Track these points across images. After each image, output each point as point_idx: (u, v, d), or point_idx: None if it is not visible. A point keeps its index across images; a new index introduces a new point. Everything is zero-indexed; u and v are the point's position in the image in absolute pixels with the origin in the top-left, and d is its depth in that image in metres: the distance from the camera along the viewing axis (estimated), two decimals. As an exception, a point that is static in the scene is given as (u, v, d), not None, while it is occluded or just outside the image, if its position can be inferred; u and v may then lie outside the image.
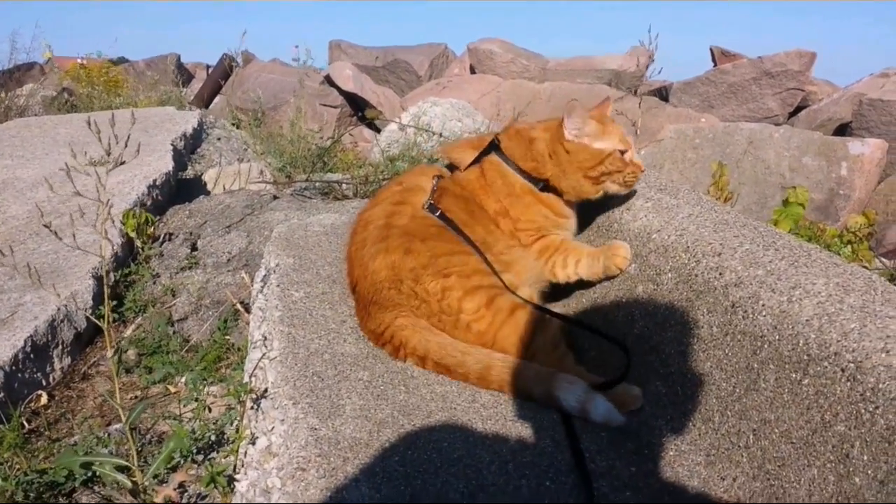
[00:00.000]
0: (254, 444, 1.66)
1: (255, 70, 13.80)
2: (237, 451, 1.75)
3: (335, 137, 5.51)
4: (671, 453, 1.58)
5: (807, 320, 1.38)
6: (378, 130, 10.55)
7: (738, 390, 1.50)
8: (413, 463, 1.45)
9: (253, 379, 1.94)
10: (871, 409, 1.20)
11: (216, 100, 12.43)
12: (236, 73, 12.34)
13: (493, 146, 2.13)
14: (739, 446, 1.46)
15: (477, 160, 2.14)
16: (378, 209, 2.08)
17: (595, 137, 2.01)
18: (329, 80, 12.39)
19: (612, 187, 2.03)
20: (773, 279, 1.53)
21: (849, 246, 4.81)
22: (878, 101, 9.53)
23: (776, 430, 1.38)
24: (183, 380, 2.74)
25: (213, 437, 2.15)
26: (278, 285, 2.19)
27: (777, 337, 1.42)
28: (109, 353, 1.87)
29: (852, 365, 1.25)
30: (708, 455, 1.52)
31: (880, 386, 1.19)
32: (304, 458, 1.44)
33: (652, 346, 1.81)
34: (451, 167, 2.27)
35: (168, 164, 4.40)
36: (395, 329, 1.84)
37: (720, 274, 1.64)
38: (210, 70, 13.71)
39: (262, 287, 2.30)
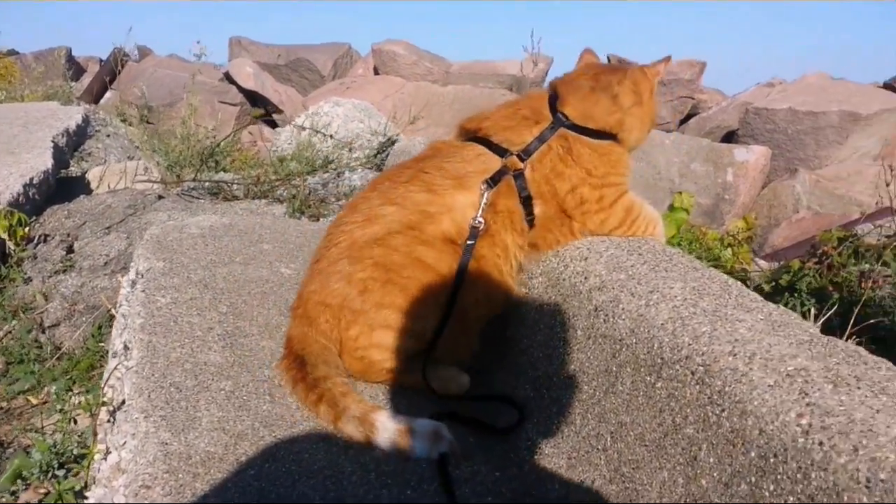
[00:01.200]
0: (107, 459, 1.58)
1: (151, 65, 13.31)
2: (88, 466, 1.65)
3: (226, 136, 5.34)
4: (536, 457, 1.59)
5: (662, 324, 1.40)
6: (277, 128, 10.37)
7: (597, 393, 1.52)
8: (270, 476, 1.39)
9: (110, 390, 1.85)
10: (717, 412, 1.22)
11: (108, 95, 11.92)
12: (128, 67, 11.86)
13: (555, 110, 1.85)
14: (598, 449, 1.47)
15: (542, 139, 1.81)
16: (384, 218, 1.75)
17: None
18: (229, 78, 12.08)
19: None
20: (634, 283, 1.55)
21: (729, 248, 5.02)
22: (763, 110, 10.01)
23: (632, 433, 1.40)
24: (52, 389, 2.59)
25: (75, 451, 2.03)
26: (143, 290, 2.08)
27: (634, 340, 1.44)
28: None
29: (701, 368, 1.27)
30: (569, 458, 1.53)
31: (726, 389, 1.21)
32: (151, 475, 1.36)
33: (522, 350, 1.81)
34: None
35: (47, 162, 4.16)
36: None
37: (585, 278, 1.66)
38: (102, 64, 13.14)
39: (131, 291, 2.19)
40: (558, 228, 1.83)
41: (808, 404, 1.10)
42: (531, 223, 1.81)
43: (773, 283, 4.17)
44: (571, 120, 1.82)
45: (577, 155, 1.80)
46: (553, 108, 1.85)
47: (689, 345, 1.32)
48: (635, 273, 1.59)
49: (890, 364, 1.25)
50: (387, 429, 1.51)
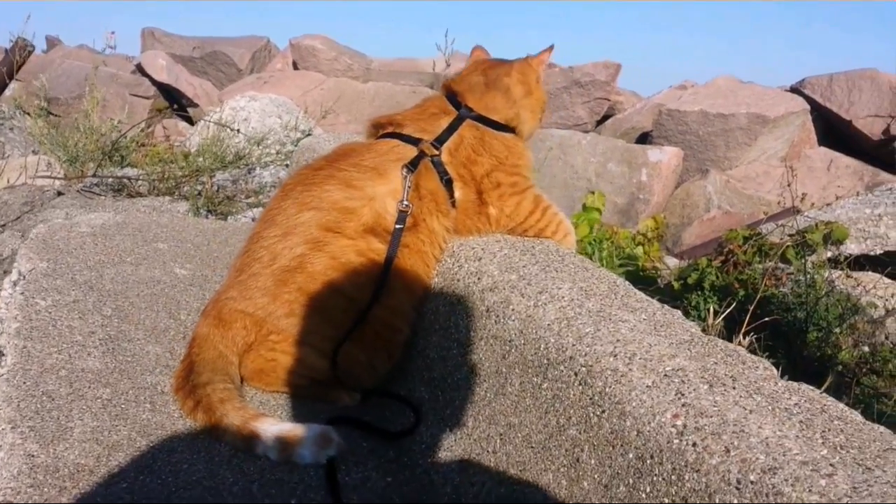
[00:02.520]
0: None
1: (59, 56, 12.79)
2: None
3: (129, 128, 5.14)
4: (429, 460, 1.56)
5: (548, 325, 1.39)
6: (193, 123, 10.08)
7: (488, 395, 1.50)
8: (143, 489, 1.32)
9: (-17, 398, 1.73)
10: (598, 413, 1.21)
11: (13, 86, 11.38)
12: (34, 58, 11.34)
13: (458, 106, 1.90)
14: (488, 451, 1.45)
15: (452, 128, 1.84)
16: (301, 229, 1.69)
17: None
18: (141, 70, 11.70)
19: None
20: (524, 284, 1.54)
21: (640, 247, 5.12)
22: (675, 112, 10.26)
23: (519, 435, 1.39)
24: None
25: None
26: (22, 293, 1.97)
27: (523, 341, 1.43)
28: None
29: (584, 369, 1.27)
30: (462, 461, 1.51)
31: (607, 390, 1.21)
32: (14, 490, 1.27)
33: (418, 351, 1.79)
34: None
35: (-64, 156, 3.93)
36: None
37: (478, 279, 1.64)
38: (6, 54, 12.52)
39: (11, 294, 2.07)
40: (476, 215, 1.83)
41: (683, 405, 1.11)
42: (453, 205, 1.82)
43: (683, 281, 4.27)
44: (477, 112, 1.87)
45: (489, 145, 1.85)
46: (455, 104, 1.89)
47: (573, 345, 1.31)
48: (526, 273, 1.58)
49: (767, 364, 1.27)
50: (269, 436, 1.46)
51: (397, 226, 1.67)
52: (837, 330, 3.52)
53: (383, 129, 1.89)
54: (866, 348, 3.60)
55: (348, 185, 1.71)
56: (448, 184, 1.78)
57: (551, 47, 2.05)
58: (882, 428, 1.08)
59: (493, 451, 1.44)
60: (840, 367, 3.34)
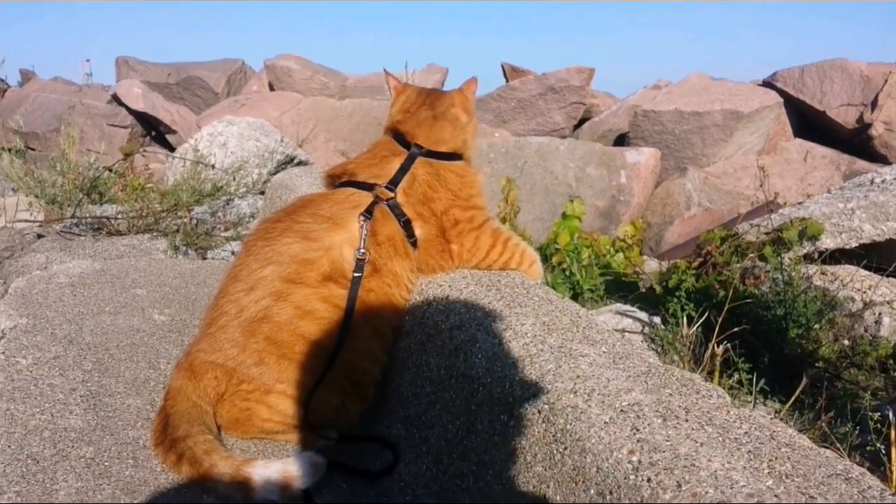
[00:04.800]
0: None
1: (35, 90, 12.79)
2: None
3: (108, 167, 5.16)
4: (407, 499, 1.60)
5: (513, 362, 1.44)
6: (173, 150, 10.08)
7: (460, 432, 1.54)
8: (127, 547, 1.36)
9: (-32, 461, 1.76)
10: (561, 450, 1.26)
11: (-11, 123, 11.37)
12: (10, 94, 11.36)
13: (407, 146, 1.95)
14: (462, 489, 1.50)
15: (404, 169, 1.89)
16: (264, 283, 1.72)
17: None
18: (117, 100, 11.71)
19: None
20: (490, 321, 1.59)
21: (620, 253, 5.18)
22: (651, 112, 10.36)
23: (490, 472, 1.43)
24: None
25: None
26: (3, 352, 2.00)
27: (489, 379, 1.48)
28: None
29: (546, 406, 1.32)
30: (438, 498, 1.55)
31: (568, 427, 1.26)
32: (0, 558, 1.31)
33: (393, 389, 1.83)
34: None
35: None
36: None
37: (446, 317, 1.68)
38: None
39: (-9, 352, 2.09)
40: (439, 254, 1.87)
41: (638, 440, 1.15)
42: (415, 245, 1.85)
43: (664, 284, 4.33)
44: (426, 147, 1.94)
45: (443, 178, 1.91)
46: (404, 143, 1.96)
47: (536, 383, 1.36)
48: (492, 310, 1.63)
49: (721, 391, 1.32)
50: (265, 480, 1.50)
51: (355, 274, 1.71)
52: (817, 326, 3.58)
53: (339, 179, 1.94)
54: (846, 342, 3.65)
55: (305, 238, 1.75)
56: (407, 224, 1.82)
57: (474, 78, 2.16)
58: (828, 452, 1.13)
59: (466, 488, 1.48)
60: (820, 363, 3.39)
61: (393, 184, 1.86)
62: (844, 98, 10.33)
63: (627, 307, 3.87)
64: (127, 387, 1.91)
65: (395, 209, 1.82)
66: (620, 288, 4.77)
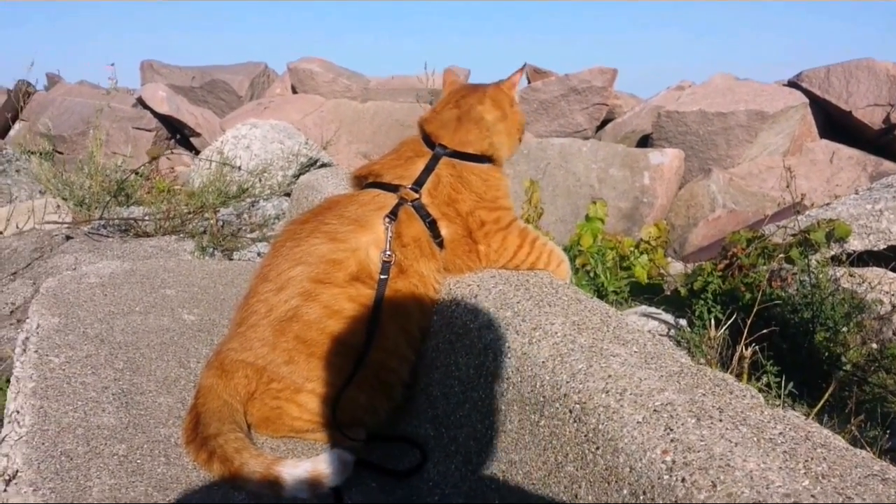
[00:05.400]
0: (-2, 536, 1.53)
1: (61, 93, 12.95)
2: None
3: (135, 170, 5.22)
4: (436, 499, 1.61)
5: (543, 361, 1.44)
6: (197, 152, 10.18)
7: (490, 432, 1.55)
8: (161, 543, 1.37)
9: (5, 459, 1.79)
10: (593, 450, 1.26)
11: (17, 127, 11.54)
12: (36, 97, 11.52)
13: (433, 145, 1.94)
14: (492, 489, 1.50)
15: (429, 169, 1.89)
16: (294, 283, 1.73)
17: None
18: (142, 103, 11.84)
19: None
20: (519, 320, 1.59)
21: (645, 255, 5.15)
22: (674, 113, 10.29)
23: (520, 472, 1.43)
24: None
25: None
26: (36, 351, 2.03)
27: (519, 379, 1.48)
28: None
29: (578, 406, 1.31)
30: (468, 498, 1.55)
31: (600, 427, 1.25)
32: (37, 553, 1.33)
33: (421, 388, 1.83)
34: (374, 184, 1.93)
35: (-57, 206, 4.02)
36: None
37: (475, 316, 1.69)
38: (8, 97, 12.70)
39: (23, 352, 2.12)
40: (466, 254, 1.87)
41: (672, 440, 1.15)
42: (441, 245, 1.86)
43: (689, 286, 4.30)
44: (451, 148, 1.92)
45: (467, 181, 1.89)
46: (430, 143, 1.95)
47: (567, 382, 1.36)
48: (521, 310, 1.63)
49: (754, 391, 1.31)
50: (295, 478, 1.51)
51: (382, 276, 1.72)
52: (845, 329, 3.54)
53: (365, 180, 1.94)
54: (875, 345, 3.61)
55: (332, 239, 1.76)
56: (432, 225, 1.83)
57: (523, 67, 2.12)
58: (864, 453, 1.12)
59: (496, 488, 1.49)
60: (848, 367, 3.36)
61: (418, 184, 1.86)
62: (871, 98, 10.20)
63: (653, 309, 3.85)
64: (158, 385, 1.93)
65: (420, 210, 1.83)
66: (645, 290, 4.75)
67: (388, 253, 1.74)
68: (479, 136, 1.96)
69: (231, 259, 3.91)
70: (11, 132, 11.24)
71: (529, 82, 11.90)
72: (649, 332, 3.42)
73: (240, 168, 5.01)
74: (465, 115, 1.98)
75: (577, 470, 1.29)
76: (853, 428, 2.52)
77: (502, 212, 1.91)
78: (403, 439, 1.79)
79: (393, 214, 1.78)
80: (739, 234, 4.70)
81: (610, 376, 1.33)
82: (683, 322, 3.67)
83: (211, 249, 3.94)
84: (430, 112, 2.06)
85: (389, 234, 1.75)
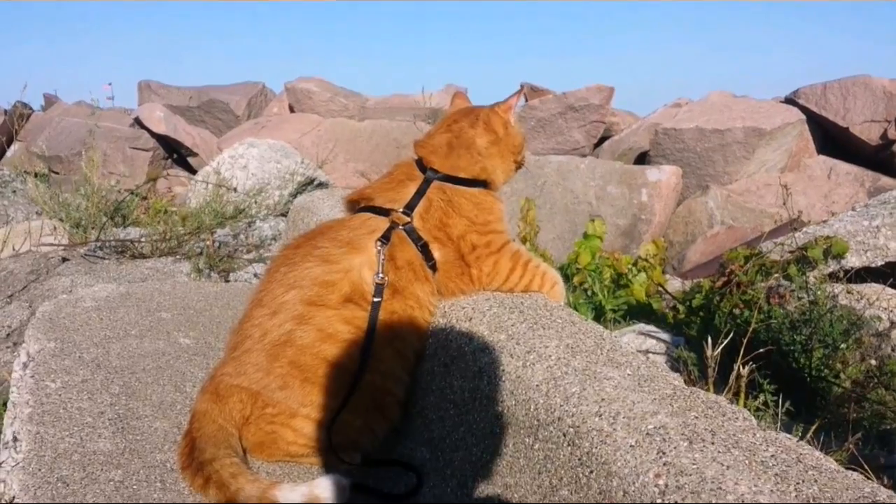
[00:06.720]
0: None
1: (58, 114, 12.99)
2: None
3: (131, 191, 5.23)
4: (432, 522, 1.60)
5: (537, 385, 1.44)
6: (194, 172, 10.20)
7: (485, 455, 1.54)
8: (155, 570, 1.37)
9: (1, 485, 1.78)
10: (587, 474, 1.26)
11: (14, 148, 11.57)
12: (33, 118, 11.57)
13: (425, 170, 1.96)
14: (487, 512, 1.49)
15: (420, 193, 1.90)
16: (288, 306, 1.74)
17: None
18: (140, 123, 11.88)
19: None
20: (513, 343, 1.59)
21: (642, 272, 5.15)
22: (671, 130, 10.33)
23: (515, 495, 1.43)
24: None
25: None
26: (32, 376, 2.03)
27: (513, 402, 1.48)
28: None
29: (572, 430, 1.31)
30: (463, 522, 1.55)
31: (593, 450, 1.26)
32: (30, 581, 1.32)
33: (418, 411, 1.83)
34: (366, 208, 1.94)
35: (-60, 229, 4.02)
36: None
37: (469, 339, 1.69)
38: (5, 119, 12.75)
39: (21, 377, 2.12)
40: (459, 277, 1.88)
41: (664, 464, 1.15)
42: (434, 268, 1.86)
43: (687, 304, 4.30)
44: (442, 172, 1.93)
45: (457, 205, 1.90)
46: (423, 167, 1.96)
47: (561, 406, 1.36)
48: (515, 333, 1.63)
49: (747, 413, 1.31)
50: (291, 501, 1.50)
51: (375, 299, 1.72)
52: (843, 345, 3.54)
53: (358, 205, 1.95)
54: (873, 361, 3.60)
55: (325, 261, 1.77)
56: (424, 248, 1.83)
57: (521, 90, 2.12)
58: (855, 475, 1.12)
59: (491, 511, 1.48)
60: (847, 384, 3.35)
61: (409, 208, 1.87)
62: (868, 114, 10.25)
63: (651, 327, 3.85)
64: (154, 410, 1.93)
65: (412, 234, 1.84)
66: (643, 308, 4.75)
67: (381, 276, 1.74)
68: (470, 162, 1.96)
69: (227, 280, 3.92)
70: (8, 153, 11.27)
71: (527, 101, 11.96)
72: (645, 351, 3.42)
73: (235, 189, 5.02)
74: (457, 140, 1.99)
75: (571, 494, 1.29)
76: (851, 445, 2.52)
77: (494, 235, 1.91)
78: (399, 463, 1.79)
79: (385, 238, 1.79)
80: (737, 251, 4.70)
81: (603, 399, 1.34)
82: (681, 340, 3.67)
83: (207, 271, 3.94)
84: (424, 135, 2.07)
85: (382, 256, 1.76)
